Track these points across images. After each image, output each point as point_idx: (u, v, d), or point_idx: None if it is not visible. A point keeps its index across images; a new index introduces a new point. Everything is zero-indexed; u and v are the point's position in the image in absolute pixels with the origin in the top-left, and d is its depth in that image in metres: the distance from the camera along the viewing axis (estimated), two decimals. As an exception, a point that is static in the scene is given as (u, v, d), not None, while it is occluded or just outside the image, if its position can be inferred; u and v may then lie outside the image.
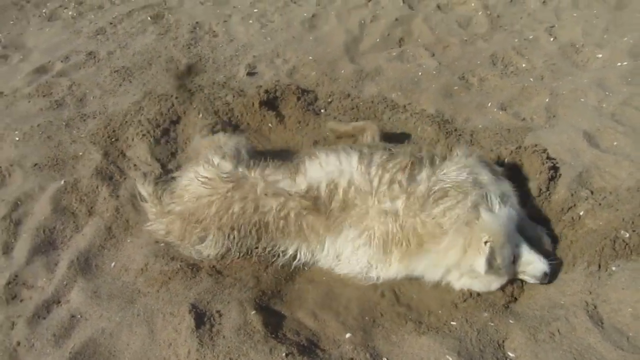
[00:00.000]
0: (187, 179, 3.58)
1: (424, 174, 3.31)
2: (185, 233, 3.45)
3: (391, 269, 3.27)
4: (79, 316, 3.09)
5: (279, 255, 3.42)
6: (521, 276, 3.25)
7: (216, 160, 3.57)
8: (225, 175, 3.44)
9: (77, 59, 5.70)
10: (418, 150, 3.52)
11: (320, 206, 3.30)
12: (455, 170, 3.34)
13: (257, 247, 3.42)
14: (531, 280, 3.24)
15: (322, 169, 3.41)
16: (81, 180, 3.98)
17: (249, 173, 3.47)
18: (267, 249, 3.42)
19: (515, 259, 3.19)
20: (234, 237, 3.37)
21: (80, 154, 4.26)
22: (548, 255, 3.30)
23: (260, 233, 3.37)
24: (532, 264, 3.20)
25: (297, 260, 3.42)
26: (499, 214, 3.21)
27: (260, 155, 3.74)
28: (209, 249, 3.43)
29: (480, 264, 3.01)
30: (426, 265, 3.21)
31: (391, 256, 3.24)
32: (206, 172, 3.49)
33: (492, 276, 3.15)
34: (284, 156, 3.82)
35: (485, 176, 3.41)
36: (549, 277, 3.21)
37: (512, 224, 3.26)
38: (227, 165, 3.53)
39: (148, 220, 3.66)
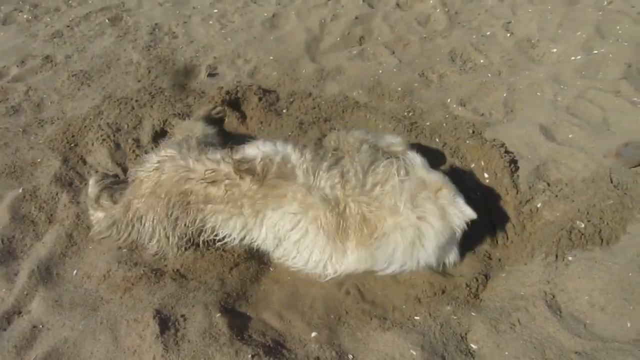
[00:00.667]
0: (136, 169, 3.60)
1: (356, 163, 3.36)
2: (126, 218, 3.43)
3: (347, 259, 3.26)
4: (41, 326, 3.03)
5: (209, 233, 3.36)
6: None
7: (163, 145, 3.64)
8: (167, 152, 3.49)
9: (33, 63, 5.58)
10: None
11: (254, 172, 3.24)
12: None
13: (188, 223, 3.34)
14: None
15: (259, 149, 3.41)
16: (40, 188, 3.90)
17: (187, 151, 3.46)
18: (196, 226, 3.36)
19: None
20: (161, 207, 3.33)
21: (39, 160, 4.17)
22: None
23: (187, 205, 3.31)
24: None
25: (230, 238, 3.36)
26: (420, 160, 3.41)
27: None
28: (149, 228, 3.40)
29: (466, 209, 3.18)
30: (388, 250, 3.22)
31: (346, 245, 3.24)
32: (150, 157, 3.56)
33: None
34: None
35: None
36: None
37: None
38: (172, 147, 3.55)
39: (92, 227, 3.62)
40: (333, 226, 3.18)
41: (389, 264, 3.25)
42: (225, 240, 3.36)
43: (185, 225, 3.34)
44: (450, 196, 3.21)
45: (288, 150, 3.39)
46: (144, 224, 3.38)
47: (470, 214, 3.19)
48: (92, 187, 3.77)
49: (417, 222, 3.17)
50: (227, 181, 3.26)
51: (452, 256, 3.39)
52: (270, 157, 3.31)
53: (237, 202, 3.25)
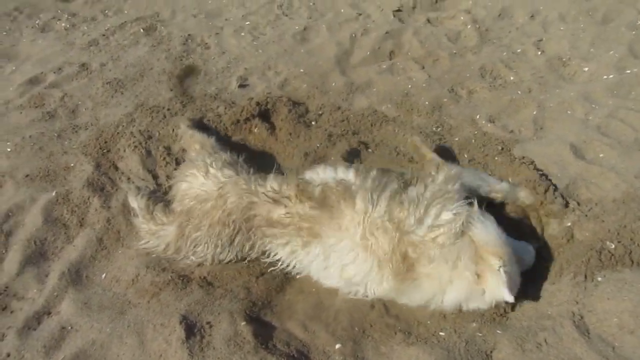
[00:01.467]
0: (186, 182, 3.62)
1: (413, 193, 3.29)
2: (180, 242, 3.48)
3: (382, 286, 3.20)
4: (70, 327, 3.09)
5: (268, 256, 3.42)
6: None
7: (217, 164, 3.62)
8: (226, 175, 3.51)
9: (69, 71, 5.72)
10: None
11: (312, 197, 3.26)
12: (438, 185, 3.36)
13: (248, 248, 3.42)
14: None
15: (319, 175, 3.42)
16: (72, 192, 3.99)
17: (247, 176, 3.51)
18: (254, 251, 3.42)
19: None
20: (225, 234, 3.37)
21: (72, 165, 4.27)
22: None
23: (248, 231, 3.36)
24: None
25: (286, 263, 3.40)
26: (488, 223, 3.21)
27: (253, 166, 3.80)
28: (203, 251, 3.44)
29: (505, 293, 2.97)
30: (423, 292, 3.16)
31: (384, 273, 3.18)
32: (206, 175, 3.55)
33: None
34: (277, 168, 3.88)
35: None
36: None
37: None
38: (229, 172, 3.57)
39: (140, 238, 3.65)
40: (381, 252, 3.14)
41: (412, 302, 3.23)
42: (277, 263, 3.42)
43: (243, 249, 3.42)
44: (497, 267, 3.00)
45: (350, 176, 3.37)
46: (199, 247, 3.45)
47: (507, 297, 2.97)
48: (135, 198, 3.82)
49: (451, 278, 3.07)
50: (288, 204, 3.30)
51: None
52: (330, 183, 3.31)
53: (296, 226, 3.28)
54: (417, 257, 3.09)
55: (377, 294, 3.24)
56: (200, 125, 4.63)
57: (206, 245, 3.43)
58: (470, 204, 3.24)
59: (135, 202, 3.80)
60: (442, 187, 3.33)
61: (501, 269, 2.97)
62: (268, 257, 3.43)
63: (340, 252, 3.23)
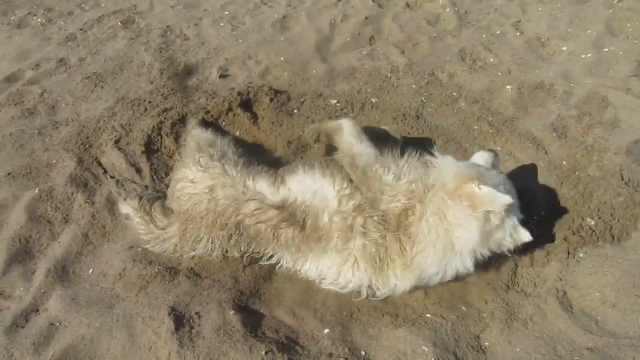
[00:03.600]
0: (180, 182, 3.59)
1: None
2: (183, 241, 3.48)
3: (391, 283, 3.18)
4: (58, 324, 3.09)
5: (260, 258, 3.44)
6: None
7: (203, 160, 3.59)
8: (213, 174, 3.49)
9: (47, 66, 5.65)
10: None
11: (296, 223, 3.25)
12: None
13: (245, 245, 3.40)
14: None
15: (298, 188, 3.34)
16: (56, 188, 3.96)
17: (235, 173, 3.48)
18: (249, 251, 3.43)
19: None
20: (222, 235, 3.38)
21: (54, 161, 4.24)
22: None
23: (240, 234, 3.36)
24: None
25: (278, 265, 3.43)
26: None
27: (244, 156, 3.76)
28: (202, 250, 3.46)
29: (502, 198, 2.94)
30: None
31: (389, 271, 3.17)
32: (194, 173, 3.53)
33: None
34: (260, 157, 3.88)
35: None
36: None
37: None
38: (216, 165, 3.55)
39: (144, 242, 3.61)
40: (373, 256, 3.13)
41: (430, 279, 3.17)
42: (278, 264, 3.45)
43: (241, 246, 3.41)
44: (477, 187, 2.96)
45: (325, 188, 3.29)
46: (199, 244, 3.46)
47: (505, 200, 2.92)
48: (125, 204, 3.81)
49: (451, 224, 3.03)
50: (271, 224, 3.29)
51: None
52: (307, 202, 3.26)
53: (284, 244, 3.29)
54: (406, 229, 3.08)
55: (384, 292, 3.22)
56: (207, 124, 4.58)
57: (206, 244, 3.43)
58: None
59: (126, 207, 3.79)
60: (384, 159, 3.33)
61: (480, 186, 2.94)
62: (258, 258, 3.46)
63: (331, 268, 3.27)
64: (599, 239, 3.32)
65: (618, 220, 3.40)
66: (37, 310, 3.19)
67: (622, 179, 3.66)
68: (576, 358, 2.73)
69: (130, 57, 5.78)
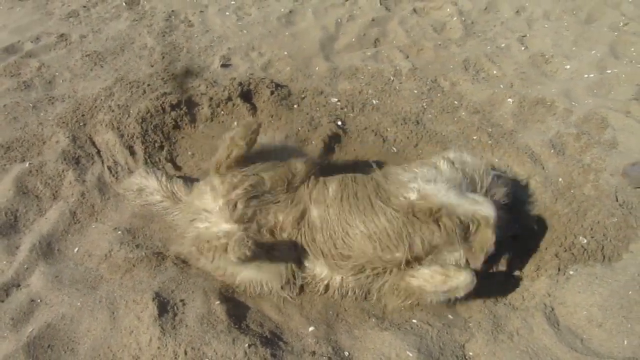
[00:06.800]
0: None
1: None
2: None
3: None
4: (39, 300, 3.03)
5: None
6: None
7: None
8: None
9: (47, 41, 5.58)
10: None
11: None
12: None
13: None
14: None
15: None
16: (47, 164, 3.89)
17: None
18: None
19: None
20: None
21: (47, 137, 4.17)
22: None
23: None
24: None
25: None
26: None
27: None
28: None
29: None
30: None
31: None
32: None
33: None
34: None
35: None
36: None
37: None
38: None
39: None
40: None
41: None
42: None
43: None
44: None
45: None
46: None
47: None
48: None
49: None
50: None
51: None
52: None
53: None
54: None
55: None
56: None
57: None
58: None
59: (143, 180, 3.79)
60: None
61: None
62: None
63: None
64: (590, 258, 3.32)
65: (610, 240, 3.40)
66: (19, 286, 3.13)
67: (617, 200, 3.66)
68: (559, 375, 2.73)
69: (132, 38, 5.72)
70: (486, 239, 3.07)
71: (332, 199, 3.21)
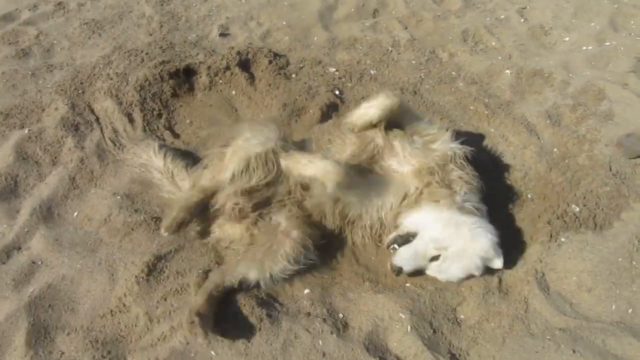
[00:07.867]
0: None
1: None
2: None
3: None
4: (40, 262, 3.10)
5: None
6: None
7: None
8: None
9: (45, 9, 5.55)
10: None
11: None
12: None
13: None
14: None
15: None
16: (46, 130, 3.92)
17: None
18: None
19: None
20: None
21: (46, 104, 4.19)
22: None
23: None
24: None
25: None
26: None
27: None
28: None
29: None
30: None
31: None
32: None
33: None
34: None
35: None
36: None
37: None
38: None
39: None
40: None
41: None
42: None
43: None
44: None
45: None
46: None
47: None
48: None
49: None
50: None
51: None
52: None
53: None
54: None
55: None
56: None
57: None
58: None
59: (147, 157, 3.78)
60: None
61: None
62: None
63: None
64: (581, 226, 3.36)
65: (602, 209, 3.44)
66: (20, 248, 3.19)
67: (610, 170, 3.70)
68: (548, 337, 2.80)
69: (130, 7, 5.69)
70: None
71: None
